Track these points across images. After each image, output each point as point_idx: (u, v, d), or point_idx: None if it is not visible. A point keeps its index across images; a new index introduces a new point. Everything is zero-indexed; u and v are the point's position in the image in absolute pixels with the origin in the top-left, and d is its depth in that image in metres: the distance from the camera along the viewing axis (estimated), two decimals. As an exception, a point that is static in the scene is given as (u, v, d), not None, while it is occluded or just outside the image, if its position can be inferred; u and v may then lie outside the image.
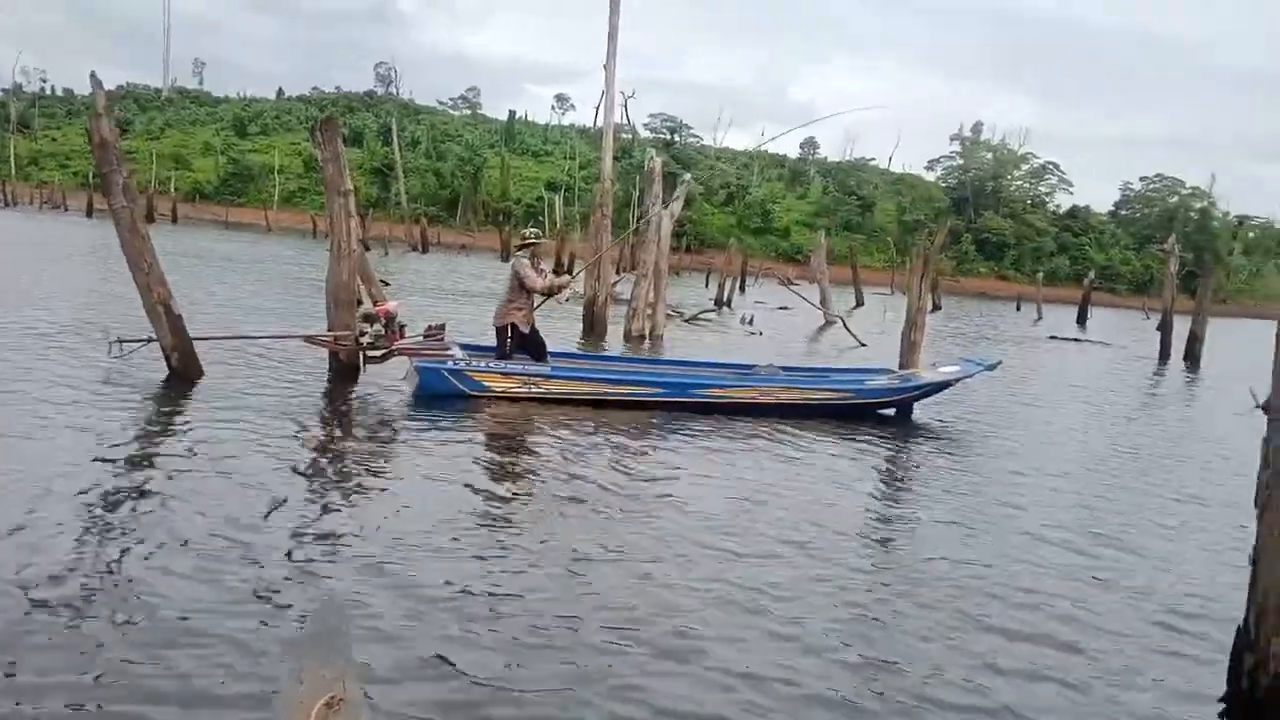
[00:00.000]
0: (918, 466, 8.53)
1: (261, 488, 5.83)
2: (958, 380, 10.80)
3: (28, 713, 3.19)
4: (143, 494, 5.58)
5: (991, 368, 10.97)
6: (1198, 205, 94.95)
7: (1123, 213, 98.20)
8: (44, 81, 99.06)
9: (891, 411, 10.60)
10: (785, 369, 11.14)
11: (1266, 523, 3.78)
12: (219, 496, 5.60)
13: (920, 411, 10.80)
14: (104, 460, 6.15)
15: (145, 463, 6.28)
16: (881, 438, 9.51)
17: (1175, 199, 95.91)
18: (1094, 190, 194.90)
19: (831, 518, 6.41)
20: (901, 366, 11.71)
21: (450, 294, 23.81)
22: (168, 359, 8.86)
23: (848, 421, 9.84)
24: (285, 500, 5.64)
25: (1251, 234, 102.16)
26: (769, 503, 6.63)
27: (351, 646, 2.53)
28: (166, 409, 7.92)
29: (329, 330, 9.60)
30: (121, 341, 8.94)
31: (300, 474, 6.29)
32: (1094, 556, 6.04)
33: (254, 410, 7.87)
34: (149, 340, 8.91)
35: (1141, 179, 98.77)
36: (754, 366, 10.92)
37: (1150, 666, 4.45)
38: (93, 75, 8.49)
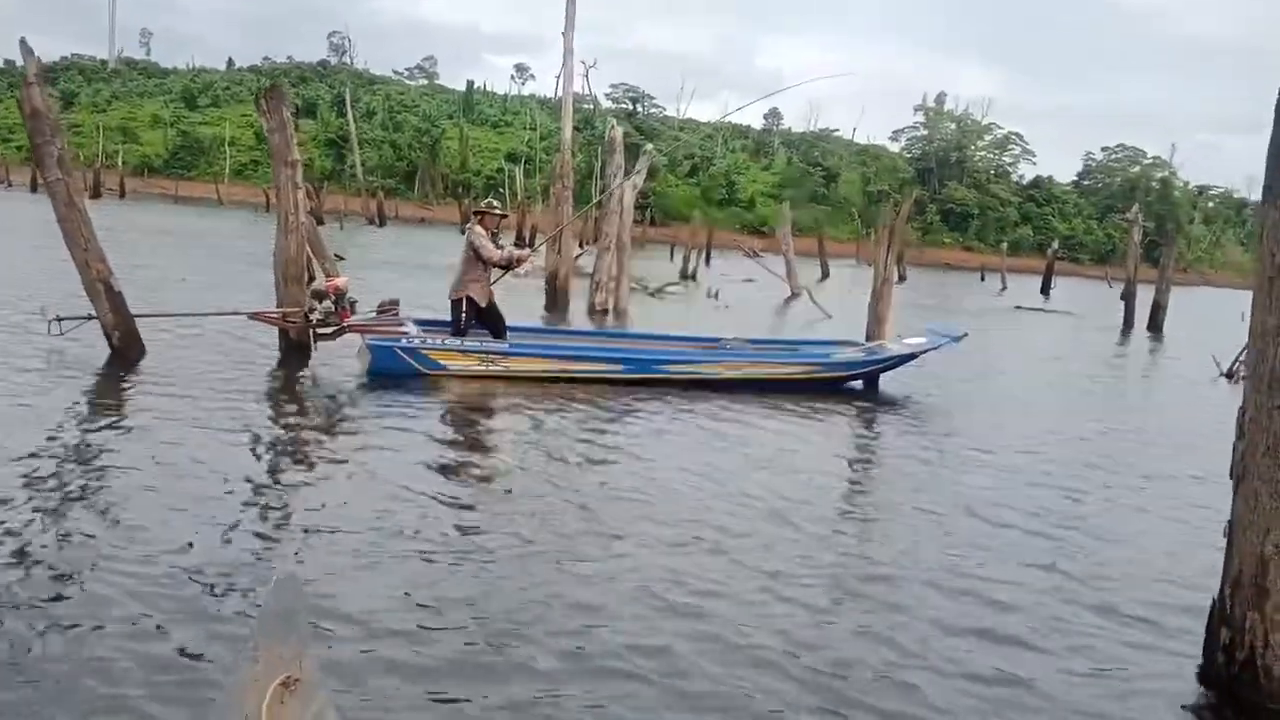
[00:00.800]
0: (885, 442, 8.37)
1: (205, 470, 5.56)
2: (925, 352, 10.66)
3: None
4: (80, 477, 5.30)
5: (958, 339, 10.83)
6: (1158, 175, 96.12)
7: (1085, 183, 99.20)
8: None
9: (859, 384, 10.45)
10: (752, 342, 10.94)
11: (1242, 494, 3.68)
12: (160, 479, 5.34)
13: (887, 383, 10.66)
14: (41, 441, 5.82)
15: (83, 444, 5.96)
16: (848, 411, 9.38)
17: (1137, 169, 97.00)
18: (1057, 161, 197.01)
19: (796, 496, 6.19)
20: (868, 339, 11.57)
21: (408, 268, 23.33)
22: (109, 337, 8.47)
23: (815, 395, 9.66)
24: (229, 483, 5.36)
25: (1211, 203, 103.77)
26: (735, 482, 6.41)
27: (308, 625, 2.41)
28: (107, 389, 7.57)
29: (277, 307, 9.21)
30: (60, 319, 8.52)
31: (246, 457, 5.99)
32: (1062, 537, 5.79)
33: (198, 390, 7.52)
34: (89, 318, 8.50)
35: (1103, 149, 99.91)
36: (720, 340, 10.69)
37: (1124, 648, 4.28)
38: (22, 42, 8.01)
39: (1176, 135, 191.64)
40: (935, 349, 10.65)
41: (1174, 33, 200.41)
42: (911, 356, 10.53)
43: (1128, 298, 25.88)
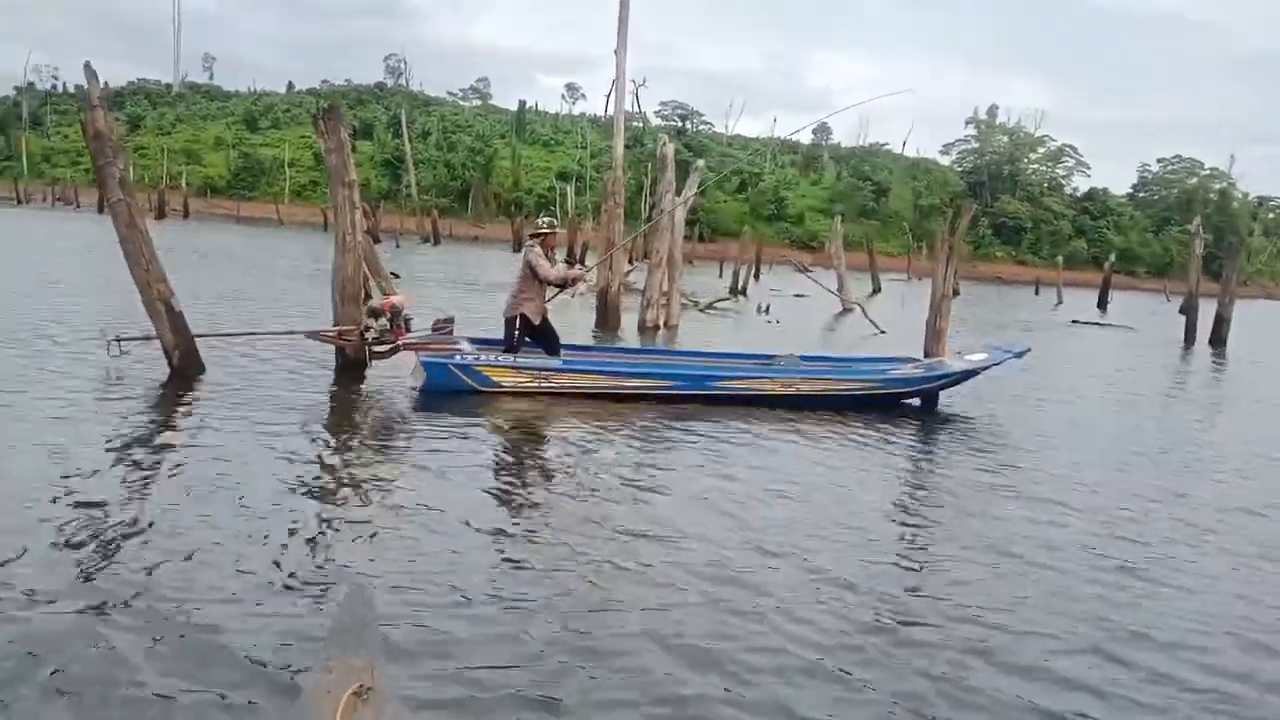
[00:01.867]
0: (945, 463, 8.09)
1: (266, 489, 5.59)
2: (986, 369, 10.40)
3: None
4: (145, 497, 5.35)
5: (1020, 355, 10.57)
6: (1217, 186, 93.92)
7: (1141, 195, 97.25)
8: (55, 79, 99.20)
9: (916, 402, 10.24)
10: (806, 359, 10.75)
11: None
12: (223, 498, 5.38)
13: (945, 401, 10.43)
14: (104, 463, 5.89)
15: (147, 464, 6.01)
16: (906, 430, 9.16)
17: (1194, 180, 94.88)
18: (1111, 173, 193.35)
19: (854, 519, 6.04)
20: (926, 354, 11.34)
21: (461, 286, 23.52)
22: (169, 357, 8.60)
23: (871, 413, 9.48)
24: (292, 502, 5.40)
25: (1271, 215, 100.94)
26: (790, 502, 6.30)
27: (378, 635, 2.55)
28: (168, 408, 7.64)
29: (335, 325, 9.30)
30: (120, 340, 8.68)
31: (305, 475, 6.00)
32: (1132, 581, 5.30)
33: (256, 408, 7.59)
34: (149, 338, 8.64)
35: (1159, 161, 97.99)
36: (774, 356, 10.54)
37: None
38: (87, 65, 8.18)
39: (1233, 147, 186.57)
40: (997, 365, 10.40)
41: (1230, 45, 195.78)
42: (972, 373, 10.29)
43: (1189, 311, 25.14)
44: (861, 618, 4.44)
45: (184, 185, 70.18)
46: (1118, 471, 8.15)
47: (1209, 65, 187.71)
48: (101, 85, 8.62)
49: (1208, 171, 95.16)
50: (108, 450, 6.16)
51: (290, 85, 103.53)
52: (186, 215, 58.66)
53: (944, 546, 5.68)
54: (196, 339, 8.84)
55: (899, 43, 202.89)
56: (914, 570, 5.27)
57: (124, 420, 6.99)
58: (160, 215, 54.59)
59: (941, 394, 10.35)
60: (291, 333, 9.55)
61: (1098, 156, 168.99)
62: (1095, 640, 4.38)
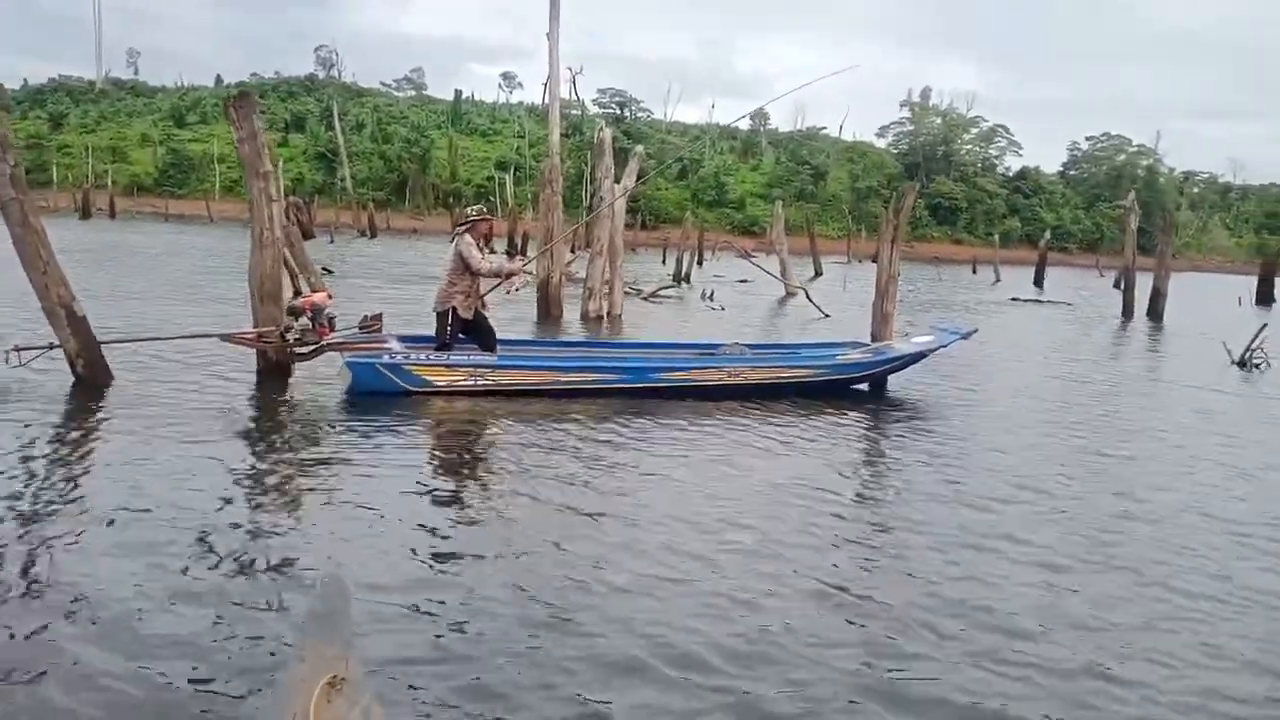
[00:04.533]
0: (897, 450, 7.80)
1: (179, 506, 5.15)
2: (934, 351, 10.22)
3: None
4: (36, 516, 4.92)
5: (967, 336, 10.42)
6: (1144, 163, 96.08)
7: (1071, 173, 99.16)
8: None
9: (865, 387, 10.02)
10: (752, 347, 10.47)
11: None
12: (133, 516, 4.97)
13: (894, 384, 10.22)
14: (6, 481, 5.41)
15: (39, 483, 5.51)
16: (856, 416, 8.94)
17: (1122, 157, 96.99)
18: (1042, 151, 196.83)
19: (809, 510, 5.80)
20: (874, 338, 11.12)
21: (400, 279, 22.86)
22: (72, 366, 8.00)
23: (820, 399, 9.23)
24: (207, 519, 4.97)
25: (1196, 189, 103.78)
26: (742, 495, 6.02)
27: (353, 626, 2.51)
28: (72, 422, 7.05)
29: (254, 326, 8.75)
30: (20, 349, 8.04)
31: (223, 489, 5.55)
32: (1090, 559, 5.28)
33: (169, 419, 7.07)
34: (51, 346, 8.02)
35: (1088, 138, 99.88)
36: (719, 346, 10.22)
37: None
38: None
39: (1158, 123, 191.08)
40: (944, 347, 10.21)
41: (1150, 21, 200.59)
42: (920, 356, 10.09)
43: (1126, 286, 25.49)
44: (812, 613, 4.27)
45: (110, 184, 67.88)
46: (1061, 448, 8.03)
47: (1134, 42, 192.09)
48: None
49: (1135, 148, 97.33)
50: (3, 470, 5.63)
51: (219, 79, 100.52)
52: (113, 215, 56.63)
53: (896, 536, 5.44)
54: (104, 345, 8.23)
55: (831, 27, 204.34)
56: (867, 561, 5.01)
57: (21, 436, 6.42)
58: (85, 215, 52.69)
59: (890, 377, 10.15)
60: (206, 335, 8.96)
61: (1029, 136, 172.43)
62: (1021, 623, 4.26)
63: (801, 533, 5.35)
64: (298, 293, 14.94)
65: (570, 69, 56.36)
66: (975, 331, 10.62)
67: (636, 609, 4.20)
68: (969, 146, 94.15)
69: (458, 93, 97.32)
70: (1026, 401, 10.27)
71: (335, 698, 2.21)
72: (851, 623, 4.21)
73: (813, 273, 34.81)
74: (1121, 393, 11.55)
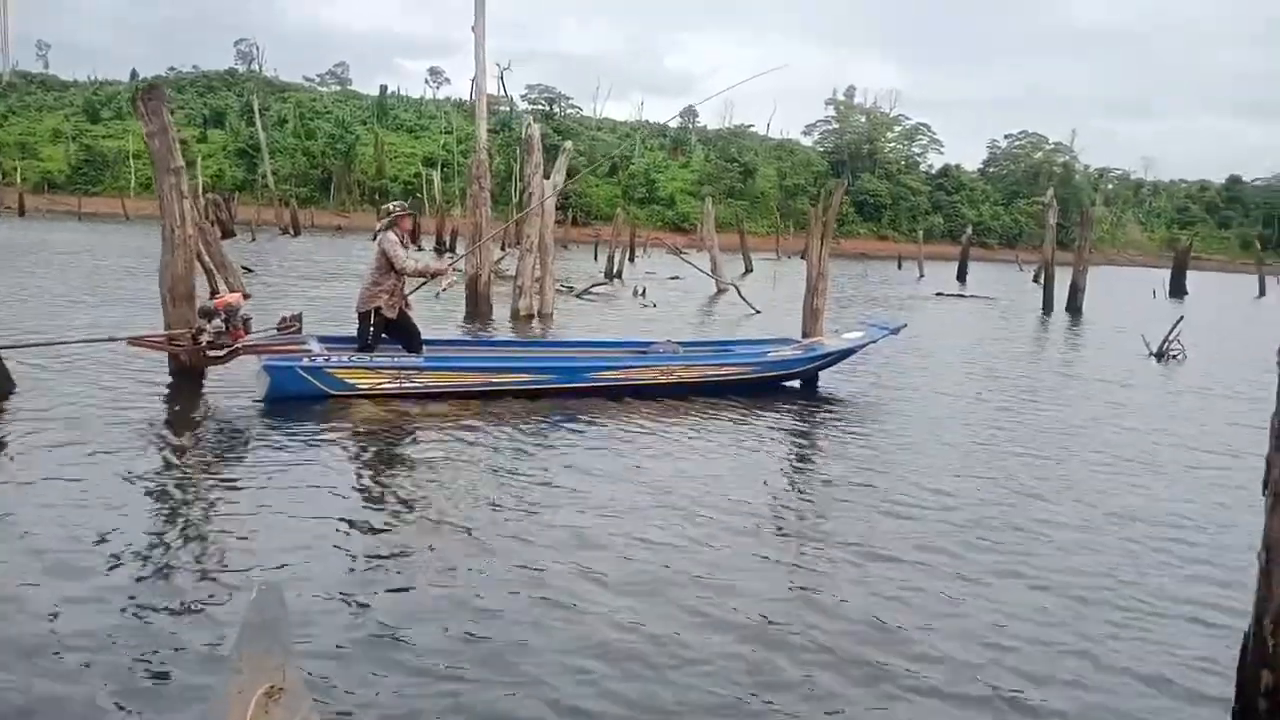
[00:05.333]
0: (822, 451, 7.77)
1: (81, 524, 4.85)
2: (863, 346, 10.28)
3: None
4: None
5: (896, 331, 10.51)
6: (1060, 160, 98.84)
7: (991, 170, 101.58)
8: None
9: (797, 384, 10.02)
10: (684, 344, 10.38)
11: (1280, 514, 3.09)
12: (40, 533, 4.71)
13: (824, 381, 10.25)
14: None
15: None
16: (787, 413, 8.92)
17: (1040, 154, 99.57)
18: (963, 149, 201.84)
19: (740, 508, 5.75)
20: (804, 335, 11.14)
21: (323, 278, 22.30)
22: (-33, 374, 7.53)
23: (752, 397, 9.19)
24: (107, 538, 4.68)
25: (1110, 185, 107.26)
26: (674, 496, 5.91)
27: (290, 635, 2.46)
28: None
29: (166, 328, 8.37)
30: (-92, 357, 7.55)
31: (134, 500, 5.30)
32: (1014, 547, 5.37)
33: (76, 427, 6.70)
34: (-58, 353, 7.54)
35: (1006, 136, 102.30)
36: (652, 344, 10.10)
37: (1100, 679, 3.86)
38: None
39: (1073, 120, 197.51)
40: (874, 343, 10.27)
41: (1070, 19, 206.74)
42: (850, 352, 10.14)
43: (1047, 281, 26.13)
44: (733, 619, 4.18)
45: (19, 181, 65.05)
46: (986, 440, 8.12)
47: (1051, 41, 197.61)
48: None
49: (1052, 146, 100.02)
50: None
51: (134, 73, 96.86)
52: (22, 213, 54.26)
53: (806, 546, 5.26)
54: (3, 351, 7.77)
55: (758, 26, 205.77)
56: (791, 566, 4.94)
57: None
58: (-12, 213, 50.50)
59: (821, 374, 10.17)
60: (113, 339, 8.51)
61: (951, 134, 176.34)
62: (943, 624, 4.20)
63: (712, 543, 5.16)
64: (214, 292, 14.44)
65: (498, 65, 55.97)
66: (904, 327, 10.71)
67: (558, 607, 4.15)
68: (893, 144, 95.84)
69: (383, 88, 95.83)
70: (951, 398, 10.33)
71: (273, 708, 2.19)
72: (734, 629, 4.12)
73: (743, 269, 34.99)
74: (1044, 388, 11.74)
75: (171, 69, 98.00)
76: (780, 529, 5.49)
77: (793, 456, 7.52)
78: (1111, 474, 7.26)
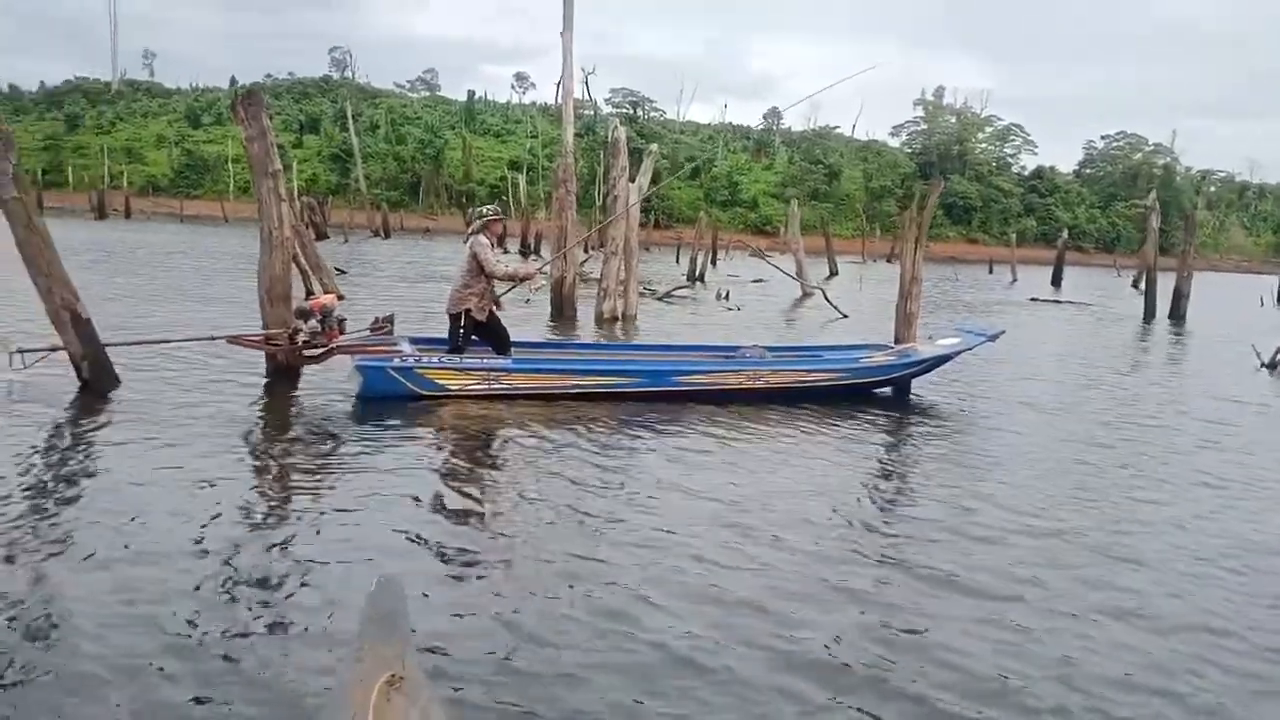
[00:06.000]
0: (915, 464, 7.41)
1: (188, 513, 5.01)
2: (959, 354, 9.95)
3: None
4: (38, 527, 4.76)
5: (994, 338, 10.10)
6: (1160, 161, 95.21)
7: (1087, 171, 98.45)
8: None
9: (889, 390, 9.75)
10: (772, 349, 10.20)
11: None
12: (142, 524, 4.84)
13: (917, 388, 9.95)
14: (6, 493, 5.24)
15: (41, 491, 5.33)
16: (877, 423, 8.61)
17: (1138, 156, 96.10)
18: (1058, 150, 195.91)
19: (822, 529, 5.48)
20: (897, 340, 10.85)
21: (413, 279, 22.72)
22: (77, 369, 7.82)
23: (841, 404, 8.97)
24: (203, 532, 4.77)
25: (1213, 188, 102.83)
26: (752, 514, 5.62)
27: (409, 625, 2.54)
28: (72, 427, 6.87)
29: (263, 328, 8.56)
30: (23, 351, 7.86)
31: (233, 495, 5.39)
32: (1121, 581, 4.92)
33: (175, 424, 6.88)
34: (53, 349, 7.84)
35: (1103, 137, 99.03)
36: (739, 348, 9.96)
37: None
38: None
39: (1174, 121, 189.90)
40: (970, 349, 9.93)
41: (1162, 17, 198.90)
42: (945, 359, 9.82)
43: (1148, 286, 25.09)
44: (804, 654, 3.89)
45: (125, 184, 68.06)
46: (1091, 455, 7.72)
47: (1149, 39, 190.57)
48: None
49: (1151, 147, 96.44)
50: (8, 479, 5.47)
51: (233, 80, 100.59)
52: (128, 215, 56.87)
53: (904, 567, 4.95)
54: (109, 348, 8.05)
55: (843, 27, 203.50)
56: (888, 554, 4.77)
57: (24, 443, 6.24)
58: (101, 215, 52.90)
59: (913, 381, 9.88)
60: (213, 338, 8.75)
61: (1044, 135, 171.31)
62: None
63: (786, 567, 4.82)
64: (309, 293, 14.80)
65: (583, 69, 56.32)
66: (1003, 333, 10.31)
67: (650, 614, 4.09)
68: (983, 145, 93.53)
69: (470, 93, 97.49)
70: (1052, 410, 9.83)
71: (395, 696, 2.22)
72: (805, 667, 3.86)
73: (828, 272, 34.50)
74: (1146, 399, 11.14)
75: (268, 76, 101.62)
76: (865, 552, 5.14)
77: (881, 472, 7.14)
78: (1222, 502, 6.60)
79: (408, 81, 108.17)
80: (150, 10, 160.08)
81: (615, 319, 15.63)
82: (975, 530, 5.57)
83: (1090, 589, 4.75)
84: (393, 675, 2.24)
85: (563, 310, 15.62)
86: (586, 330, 14.52)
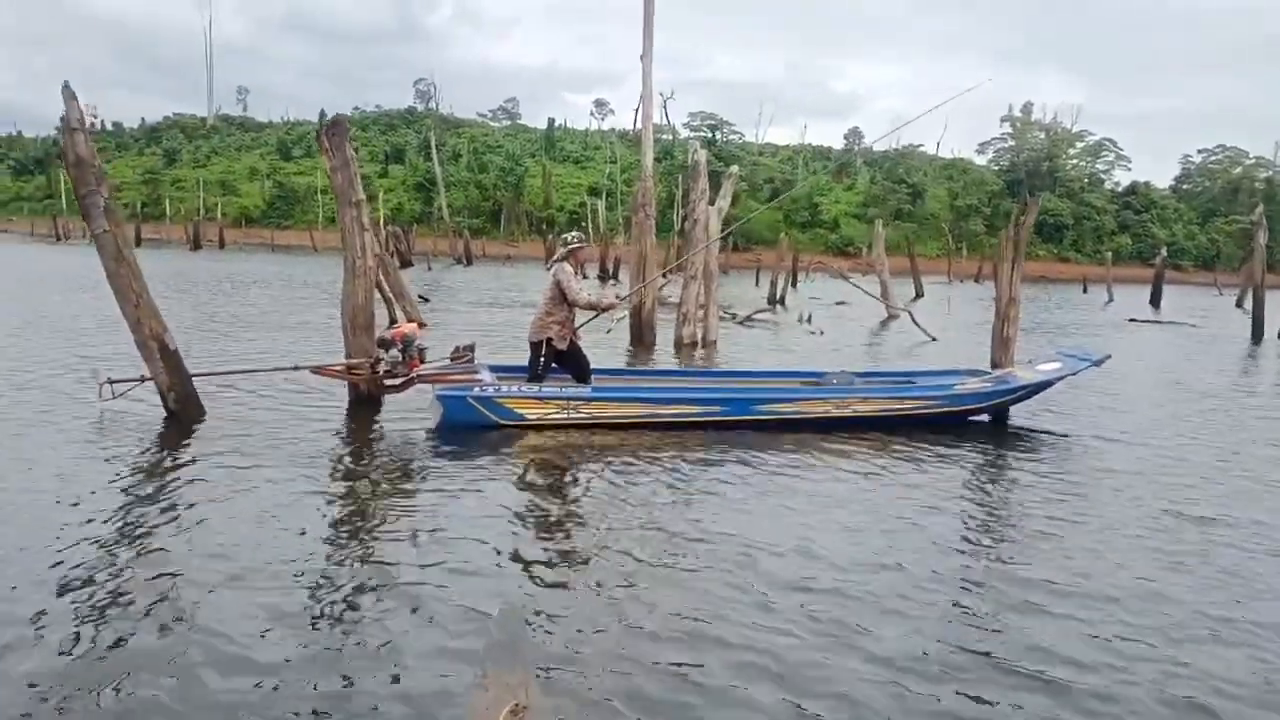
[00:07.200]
0: (1015, 501, 6.86)
1: (276, 543, 5.05)
2: (1060, 379, 9.42)
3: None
4: (127, 555, 4.82)
5: (1099, 363, 9.51)
6: (1263, 175, 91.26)
7: (1184, 187, 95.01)
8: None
9: (986, 418, 9.28)
10: (861, 375, 9.77)
11: None
12: (229, 550, 4.90)
13: (1016, 415, 9.45)
14: (85, 517, 5.33)
15: (130, 518, 5.37)
16: (973, 456, 8.05)
17: (1239, 170, 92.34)
18: (1153, 165, 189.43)
19: (930, 559, 5.21)
20: (993, 365, 10.35)
21: (494, 306, 22.87)
22: (164, 399, 7.90)
23: (936, 433, 8.54)
24: (308, 556, 4.88)
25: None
26: (837, 555, 5.27)
27: (532, 654, 2.69)
28: (159, 457, 6.89)
29: (346, 357, 8.55)
30: (112, 382, 7.98)
31: (318, 525, 5.40)
32: (1240, 641, 4.43)
33: (261, 452, 6.91)
34: (142, 380, 7.94)
35: (1201, 151, 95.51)
36: (825, 374, 9.56)
37: None
38: (65, 86, 7.47)
39: (1272, 134, 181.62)
40: (1073, 374, 9.40)
41: (1262, 29, 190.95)
42: (1046, 385, 9.31)
43: (1255, 305, 23.76)
44: (930, 669, 3.73)
45: (219, 216, 70.72)
46: (1210, 492, 7.13)
47: (1244, 51, 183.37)
48: (87, 107, 7.94)
49: (1252, 160, 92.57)
50: (88, 505, 5.56)
51: (322, 113, 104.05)
52: (222, 245, 59.06)
53: (1021, 592, 4.76)
54: (195, 378, 8.12)
55: (921, 45, 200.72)
56: (985, 616, 4.41)
57: (110, 471, 6.32)
58: (196, 246, 55.01)
59: (1012, 408, 9.39)
60: (296, 368, 8.80)
61: (1138, 150, 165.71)
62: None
63: (865, 622, 4.36)
64: (393, 321, 14.93)
65: (661, 94, 56.55)
66: (1109, 358, 9.71)
67: (735, 651, 3.95)
68: (1074, 161, 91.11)
69: (550, 121, 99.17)
70: (1154, 444, 8.94)
71: None
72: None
73: (914, 294, 33.70)
74: (1258, 429, 10.26)
75: (356, 108, 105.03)
76: (969, 577, 4.89)
77: (977, 511, 6.56)
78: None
79: (490, 111, 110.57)
80: (247, 45, 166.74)
81: (695, 344, 15.39)
82: (1073, 591, 5.00)
83: (1205, 654, 4.28)
84: (516, 705, 2.30)
85: (642, 335, 15.43)
86: (666, 355, 14.29)
